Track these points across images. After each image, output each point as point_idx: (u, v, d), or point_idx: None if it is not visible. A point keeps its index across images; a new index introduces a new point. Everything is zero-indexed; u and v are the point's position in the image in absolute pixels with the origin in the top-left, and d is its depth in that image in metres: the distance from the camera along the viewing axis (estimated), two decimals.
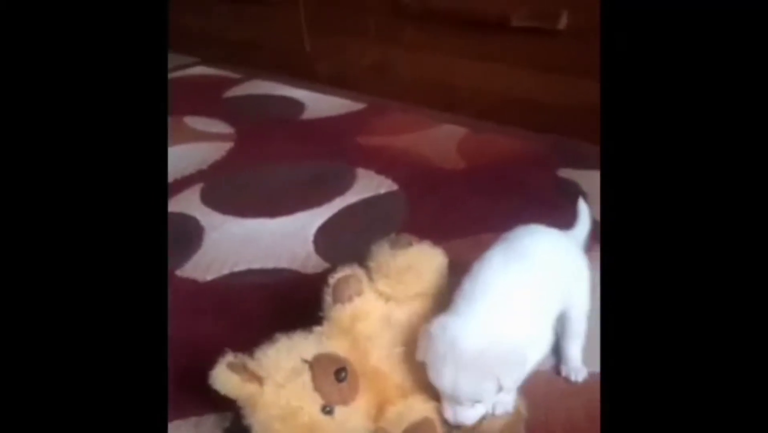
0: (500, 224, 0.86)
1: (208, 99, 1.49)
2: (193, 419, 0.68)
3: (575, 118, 1.21)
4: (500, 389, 0.58)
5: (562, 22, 1.17)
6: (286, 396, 0.59)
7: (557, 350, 0.70)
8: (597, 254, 0.83)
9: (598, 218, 0.94)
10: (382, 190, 1.07)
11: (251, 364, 0.60)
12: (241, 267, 0.92)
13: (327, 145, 1.24)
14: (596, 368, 0.69)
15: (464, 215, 0.98)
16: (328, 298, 0.66)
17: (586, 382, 0.68)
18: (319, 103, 1.41)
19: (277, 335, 0.63)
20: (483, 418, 0.60)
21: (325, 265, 0.91)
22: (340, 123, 1.33)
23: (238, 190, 1.12)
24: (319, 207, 1.04)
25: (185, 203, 1.09)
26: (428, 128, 1.27)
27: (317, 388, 0.59)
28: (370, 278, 0.67)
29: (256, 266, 0.93)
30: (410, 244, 0.69)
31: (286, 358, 0.60)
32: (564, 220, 0.81)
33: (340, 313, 0.65)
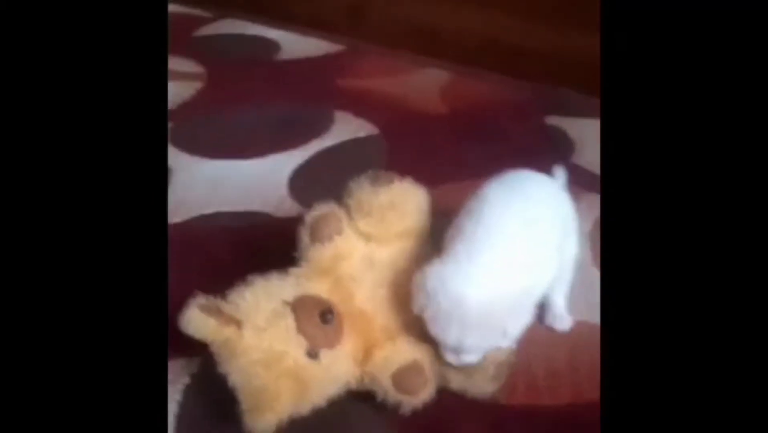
0: (484, 171, 0.82)
1: (177, 37, 1.40)
2: None
3: (561, 65, 1.18)
4: (505, 337, 0.55)
5: None
6: (268, 340, 0.55)
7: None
8: (582, 203, 0.82)
9: (584, 165, 0.93)
10: (362, 134, 1.03)
11: (227, 306, 0.56)
12: (211, 210, 0.88)
13: (303, 86, 1.19)
14: (579, 317, 0.68)
15: (447, 161, 0.95)
16: (305, 238, 0.62)
17: (568, 330, 0.67)
18: (296, 45, 1.35)
19: (252, 277, 0.59)
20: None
21: (300, 209, 0.86)
22: (318, 65, 1.27)
23: (209, 131, 1.06)
24: (295, 150, 0.99)
25: None
26: (410, 72, 1.22)
27: (301, 331, 0.56)
28: (350, 217, 0.64)
29: (226, 208, 0.88)
30: (392, 181, 0.66)
31: (265, 300, 0.57)
32: (547, 168, 0.78)
33: (319, 253, 0.61)
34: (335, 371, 0.58)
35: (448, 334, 0.54)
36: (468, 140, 1.00)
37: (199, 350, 0.58)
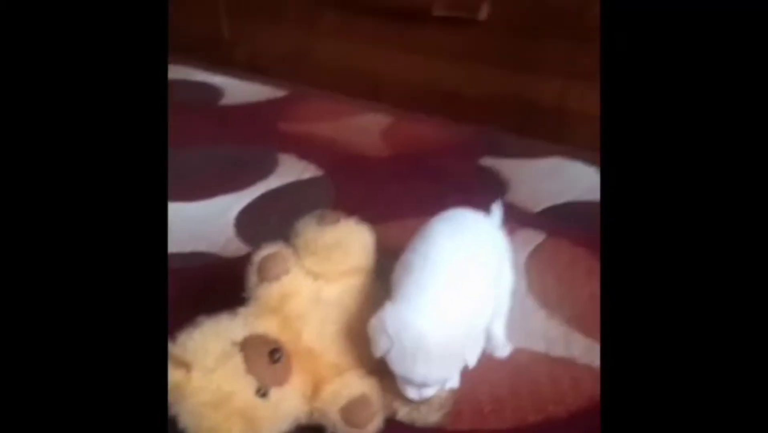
0: (425, 210, 0.87)
1: None
2: None
3: (495, 108, 1.25)
4: (465, 364, 0.58)
5: (483, 13, 1.20)
6: (217, 381, 0.56)
7: None
8: (517, 237, 0.87)
9: (517, 202, 0.98)
10: (306, 176, 1.05)
11: (176, 349, 0.56)
12: None
13: (247, 130, 1.21)
14: (518, 344, 0.71)
15: (389, 201, 0.98)
16: (253, 277, 0.63)
17: (509, 357, 0.70)
18: (238, 90, 1.37)
19: (200, 318, 0.60)
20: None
21: (247, 249, 0.88)
22: (261, 109, 1.30)
23: None
24: (241, 191, 1.01)
25: None
26: (351, 116, 1.27)
27: (250, 371, 0.57)
28: (297, 256, 0.65)
29: (173, 250, 0.88)
30: (337, 220, 0.68)
31: (213, 341, 0.57)
32: (485, 206, 0.82)
33: (267, 292, 0.62)
34: (285, 408, 0.58)
35: (414, 371, 0.56)
36: (409, 181, 1.04)
37: None
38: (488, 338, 0.71)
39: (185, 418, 0.55)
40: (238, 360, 0.57)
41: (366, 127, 1.22)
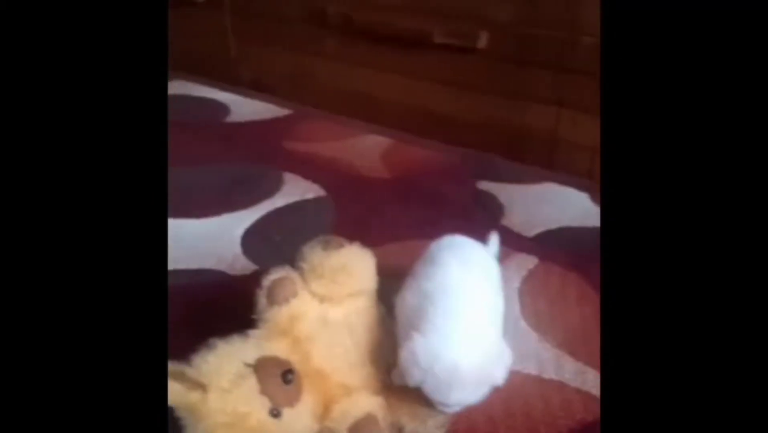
0: (423, 233, 0.91)
1: None
2: None
3: (490, 134, 1.30)
4: (498, 383, 0.60)
5: (482, 42, 1.25)
6: (233, 402, 0.58)
7: None
8: (512, 262, 0.91)
9: (513, 227, 1.02)
10: (310, 195, 1.09)
11: (191, 371, 0.59)
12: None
13: (253, 148, 1.24)
14: (512, 366, 0.74)
15: (390, 222, 1.02)
16: (262, 300, 0.66)
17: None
18: (244, 107, 1.41)
19: (214, 340, 0.62)
20: None
21: (254, 267, 0.91)
22: (266, 128, 1.34)
23: None
24: (247, 209, 1.04)
25: None
26: (353, 137, 1.31)
27: (264, 391, 0.59)
28: (304, 280, 0.68)
29: (180, 266, 0.92)
30: (341, 245, 0.71)
31: (228, 363, 0.60)
32: (483, 230, 0.86)
33: (277, 315, 0.65)
34: (296, 427, 0.61)
35: (450, 398, 0.58)
36: (408, 203, 1.08)
37: None
38: None
39: None
40: (252, 381, 0.59)
41: (367, 149, 1.27)
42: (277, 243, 0.96)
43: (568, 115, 1.21)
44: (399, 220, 1.03)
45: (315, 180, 1.13)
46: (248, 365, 0.60)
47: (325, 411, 0.63)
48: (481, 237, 0.85)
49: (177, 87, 1.50)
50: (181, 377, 0.58)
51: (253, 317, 0.66)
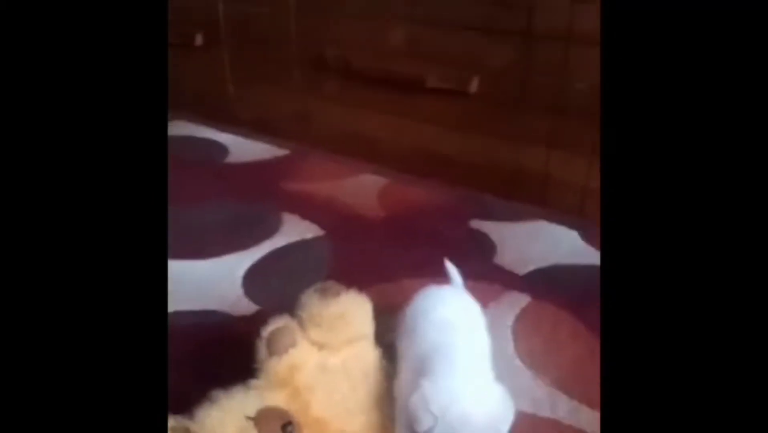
0: (419, 272, 0.95)
1: None
2: None
3: (483, 173, 1.34)
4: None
5: (473, 86, 1.30)
6: None
7: None
8: (504, 299, 0.94)
9: (505, 265, 1.05)
10: (309, 235, 1.12)
11: (194, 427, 0.60)
12: (170, 309, 0.93)
13: (252, 189, 1.28)
14: None
15: (385, 262, 1.05)
16: (262, 350, 0.67)
17: None
18: (243, 148, 1.45)
19: (216, 393, 0.64)
20: None
21: (255, 307, 0.94)
22: (265, 168, 1.38)
23: None
24: (247, 250, 1.07)
25: None
26: (350, 176, 1.34)
27: None
28: (302, 328, 0.70)
29: (185, 307, 0.94)
30: (338, 293, 0.73)
31: (230, 417, 0.61)
32: (474, 267, 0.90)
33: (276, 365, 0.66)
34: None
35: None
36: (404, 242, 1.11)
37: None
38: None
39: None
40: None
41: (363, 188, 1.30)
42: (277, 286, 0.98)
43: (558, 155, 1.26)
44: (394, 259, 1.06)
45: (313, 220, 1.16)
46: (249, 419, 0.62)
47: None
48: (474, 275, 0.88)
49: (177, 128, 1.53)
50: (185, 432, 0.60)
51: (254, 366, 0.67)
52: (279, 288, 0.97)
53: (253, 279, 1.01)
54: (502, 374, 0.76)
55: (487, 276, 0.99)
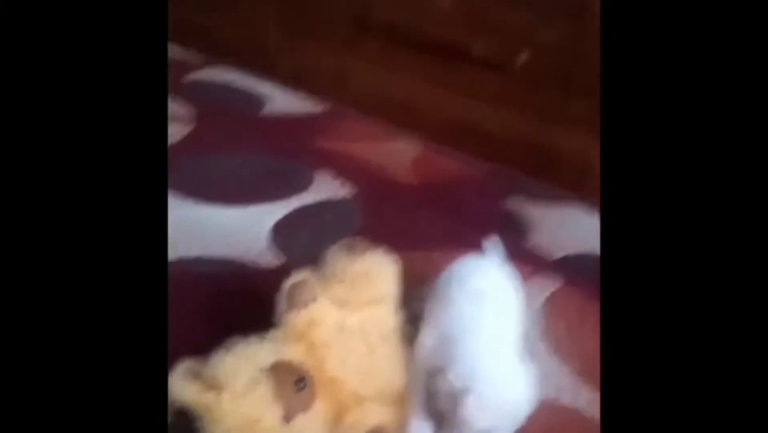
0: (449, 244, 0.92)
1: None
2: None
3: (521, 152, 1.30)
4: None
5: (521, 60, 1.26)
6: (246, 407, 0.58)
7: None
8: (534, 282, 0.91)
9: (536, 247, 1.03)
10: (339, 195, 1.10)
11: (209, 371, 0.60)
12: (192, 254, 0.92)
13: (286, 143, 1.26)
14: None
15: (416, 230, 1.03)
16: (282, 304, 0.66)
17: None
18: (280, 101, 1.42)
19: (233, 340, 0.63)
20: None
21: (280, 261, 0.92)
22: (300, 123, 1.35)
23: (193, 175, 1.10)
24: (276, 203, 1.06)
25: None
26: (385, 140, 1.32)
27: (277, 397, 0.60)
28: (325, 284, 0.69)
29: (208, 253, 0.93)
30: (365, 251, 0.72)
31: (244, 366, 0.60)
32: (506, 245, 0.87)
33: (295, 319, 0.66)
34: None
35: (486, 424, 0.59)
36: (436, 212, 1.09)
37: None
38: None
39: None
40: (266, 387, 0.60)
41: (398, 153, 1.27)
42: (304, 243, 0.96)
43: (598, 142, 1.22)
44: (425, 228, 1.04)
45: (346, 179, 1.14)
46: (263, 370, 0.61)
47: (336, 419, 0.63)
48: (505, 253, 0.86)
49: (215, 74, 1.52)
50: (199, 376, 0.59)
51: (272, 319, 0.67)
52: (305, 243, 0.95)
53: (279, 233, 0.99)
54: (526, 356, 0.75)
55: (518, 256, 0.96)
